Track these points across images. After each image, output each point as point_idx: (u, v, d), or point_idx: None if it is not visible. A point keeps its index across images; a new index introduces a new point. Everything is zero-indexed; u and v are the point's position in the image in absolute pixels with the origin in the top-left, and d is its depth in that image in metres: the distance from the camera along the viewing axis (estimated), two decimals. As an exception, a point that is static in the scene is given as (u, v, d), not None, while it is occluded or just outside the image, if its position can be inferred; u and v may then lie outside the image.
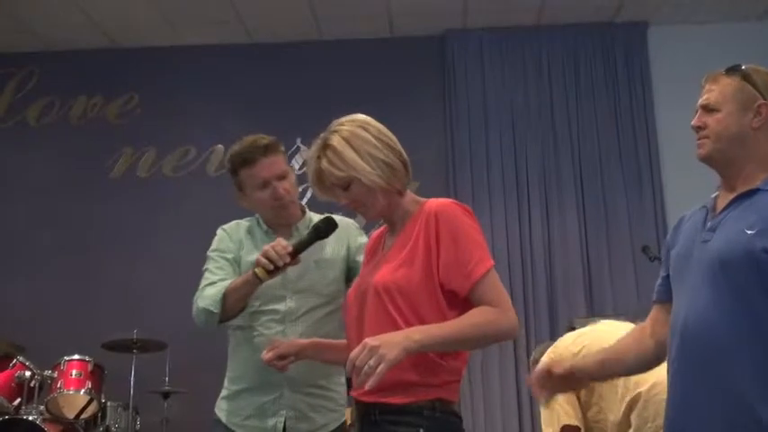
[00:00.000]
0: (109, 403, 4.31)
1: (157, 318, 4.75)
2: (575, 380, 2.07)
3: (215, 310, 2.17)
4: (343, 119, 1.86)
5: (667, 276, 1.93)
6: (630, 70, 5.62)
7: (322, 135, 1.85)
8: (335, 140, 1.81)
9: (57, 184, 5.61)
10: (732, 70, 1.86)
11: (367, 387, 1.57)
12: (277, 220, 2.34)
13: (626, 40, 5.68)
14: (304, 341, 2.06)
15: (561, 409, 2.68)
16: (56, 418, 4.10)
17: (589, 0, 5.45)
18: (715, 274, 1.72)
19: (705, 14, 5.56)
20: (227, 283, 2.19)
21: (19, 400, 4.10)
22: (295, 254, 2.05)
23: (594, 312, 4.93)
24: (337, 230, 2.33)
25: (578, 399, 2.70)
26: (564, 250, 5.32)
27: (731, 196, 1.81)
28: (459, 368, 1.78)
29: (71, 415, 4.14)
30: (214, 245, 2.36)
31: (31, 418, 3.98)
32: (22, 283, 5.33)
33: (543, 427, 2.76)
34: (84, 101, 5.86)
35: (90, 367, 4.21)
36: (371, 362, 1.56)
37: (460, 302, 1.74)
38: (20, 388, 4.11)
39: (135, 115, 5.82)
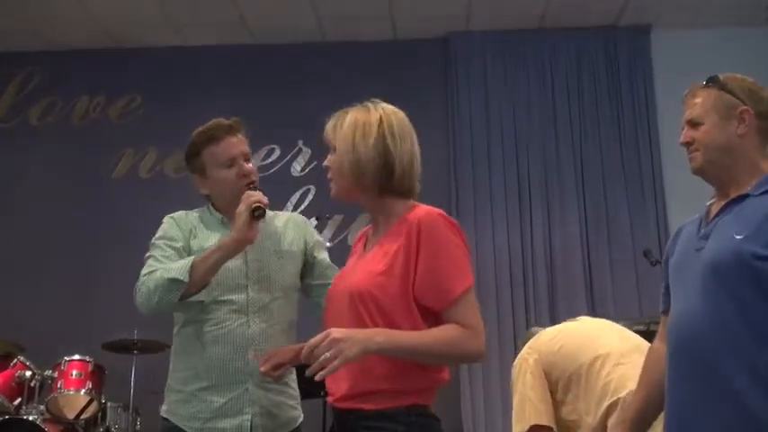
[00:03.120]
0: (109, 404, 4.32)
1: (158, 318, 4.72)
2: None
3: (184, 279, 2.01)
4: (389, 107, 1.87)
5: (668, 286, 1.95)
6: (633, 74, 5.61)
7: (365, 104, 1.86)
8: (348, 125, 1.82)
9: (58, 184, 5.62)
10: (710, 81, 1.90)
11: (317, 377, 1.58)
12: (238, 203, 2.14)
13: (629, 44, 5.68)
14: (296, 347, 2.01)
15: (532, 407, 2.63)
16: (56, 418, 4.10)
17: (592, 3, 5.45)
18: (707, 280, 1.75)
19: (709, 18, 5.56)
20: (192, 257, 2.07)
21: (19, 399, 4.10)
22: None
23: (596, 317, 4.92)
24: (294, 225, 2.32)
25: (553, 395, 2.68)
26: (565, 254, 5.31)
27: (723, 203, 1.84)
28: (438, 377, 1.76)
29: (71, 415, 4.14)
30: (160, 232, 2.25)
31: (31, 417, 3.99)
32: (24, 283, 5.33)
33: (513, 423, 2.71)
34: (86, 101, 5.86)
35: (90, 367, 4.21)
36: (329, 353, 1.57)
37: (435, 317, 1.72)
38: (20, 388, 4.12)
39: (137, 116, 5.83)
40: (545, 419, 2.63)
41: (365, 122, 1.81)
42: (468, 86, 5.64)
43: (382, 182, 1.79)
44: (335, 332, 1.60)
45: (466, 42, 5.70)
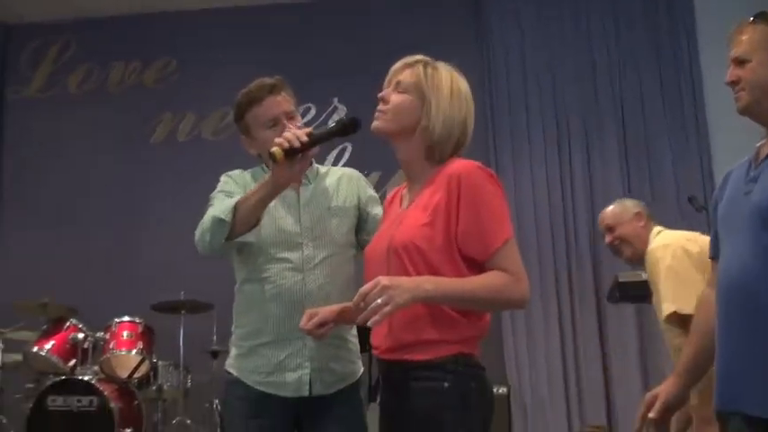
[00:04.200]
0: (160, 362, 4.44)
1: (203, 279, 4.80)
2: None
3: (226, 219, 2.02)
4: (456, 73, 1.89)
5: (717, 232, 1.91)
6: (673, 16, 5.43)
7: (430, 59, 1.89)
8: (446, 75, 1.86)
9: (100, 149, 5.71)
10: (758, 18, 1.81)
11: (369, 323, 1.59)
12: None
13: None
14: (338, 306, 2.01)
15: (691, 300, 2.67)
16: (110, 377, 4.24)
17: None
18: (755, 224, 1.70)
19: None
20: (236, 197, 2.08)
21: (74, 360, 4.25)
22: (312, 141, 1.95)
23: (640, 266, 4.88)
24: (348, 180, 2.31)
25: None
26: (607, 203, 5.21)
27: None
28: (480, 325, 1.77)
29: (124, 374, 4.28)
30: (218, 188, 2.28)
31: (86, 378, 4.12)
32: (73, 249, 5.47)
33: (668, 299, 2.80)
34: (121, 67, 5.92)
35: (140, 328, 4.34)
36: (380, 300, 1.58)
37: (479, 266, 1.74)
38: (74, 350, 4.27)
39: (173, 80, 5.87)
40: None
41: (460, 90, 1.86)
42: (502, 34, 5.53)
43: (452, 151, 1.84)
44: (385, 280, 1.61)
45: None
